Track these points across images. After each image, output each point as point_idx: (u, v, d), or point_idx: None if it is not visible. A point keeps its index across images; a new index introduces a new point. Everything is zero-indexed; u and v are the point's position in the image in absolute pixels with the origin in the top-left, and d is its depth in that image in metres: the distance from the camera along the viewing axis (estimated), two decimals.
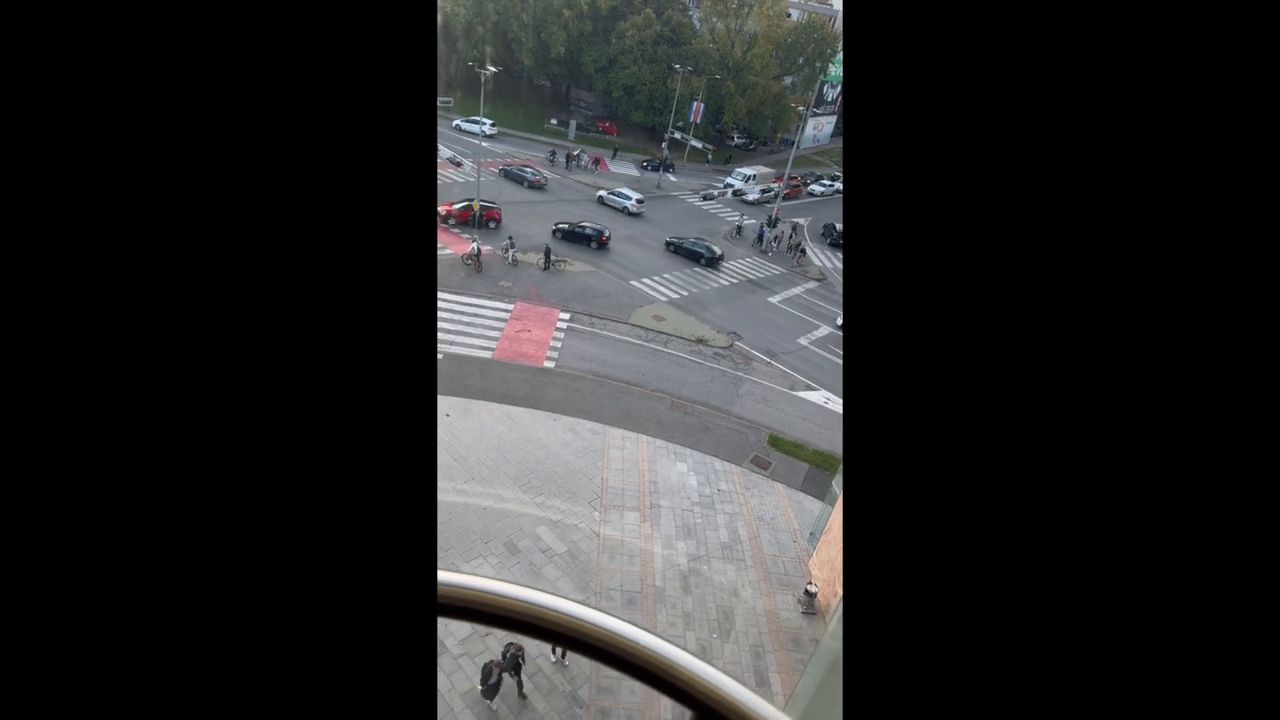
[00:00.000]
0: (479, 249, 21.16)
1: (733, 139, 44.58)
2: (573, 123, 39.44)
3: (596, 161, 35.09)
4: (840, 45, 43.92)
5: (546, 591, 0.64)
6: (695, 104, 36.97)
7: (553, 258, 22.14)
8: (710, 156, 35.48)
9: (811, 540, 12.12)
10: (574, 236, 24.38)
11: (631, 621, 0.63)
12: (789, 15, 43.65)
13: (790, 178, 34.82)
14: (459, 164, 27.14)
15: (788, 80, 43.09)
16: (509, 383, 15.63)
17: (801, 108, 39.73)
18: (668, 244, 26.30)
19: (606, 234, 24.80)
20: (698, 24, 41.14)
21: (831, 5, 50.00)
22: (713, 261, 25.37)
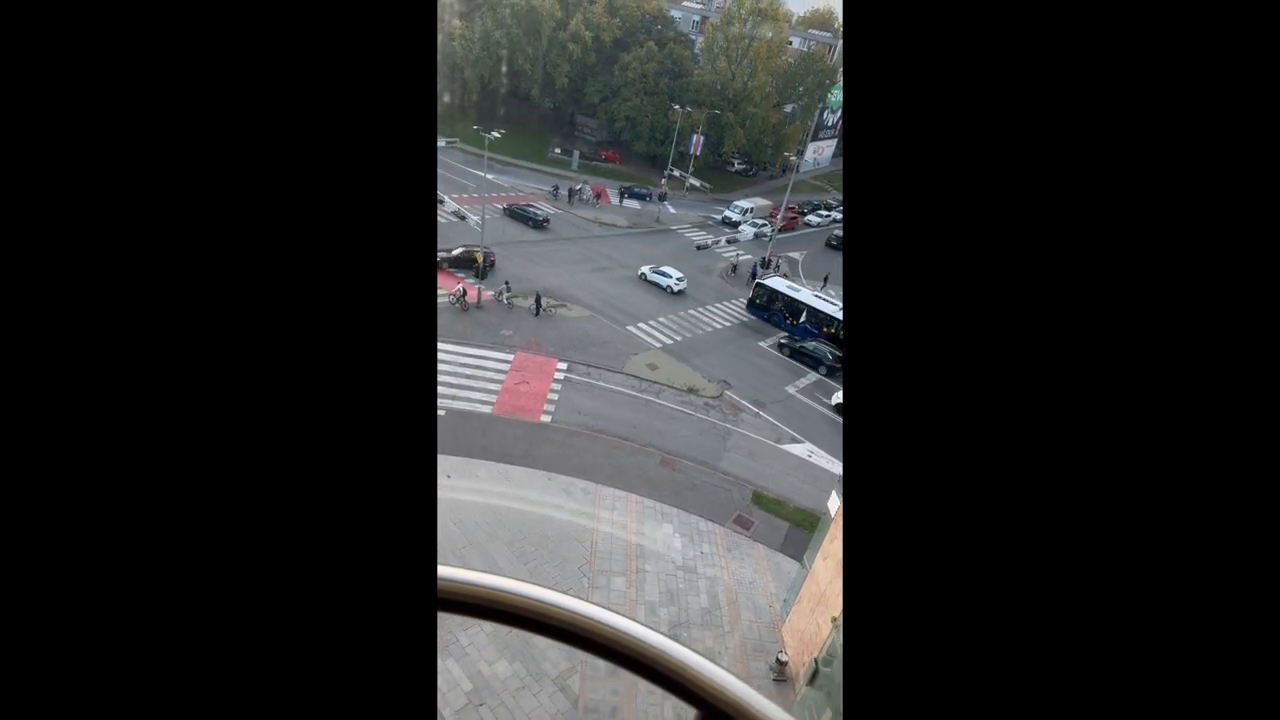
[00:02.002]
0: (465, 289, 22.21)
1: (733, 165, 45.47)
2: (575, 153, 40.40)
3: (598, 195, 35.97)
4: (838, 74, 44.79)
5: (544, 592, 0.64)
6: (695, 137, 37.87)
7: (543, 303, 23.03)
8: (690, 184, 36.50)
9: (785, 607, 12.95)
10: (460, 263, 24.34)
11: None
12: (790, 43, 44.55)
13: (788, 207, 35.62)
14: (462, 218, 27.28)
15: (788, 108, 43.93)
16: (507, 439, 16.51)
17: (794, 154, 40.51)
18: (505, 210, 30.53)
19: (493, 256, 24.87)
20: (699, 54, 42.06)
21: (834, 22, 50.75)
22: (539, 224, 30.28)
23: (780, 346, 23.88)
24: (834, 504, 11.37)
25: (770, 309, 24.61)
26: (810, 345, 23.20)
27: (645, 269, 27.58)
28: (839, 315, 23.00)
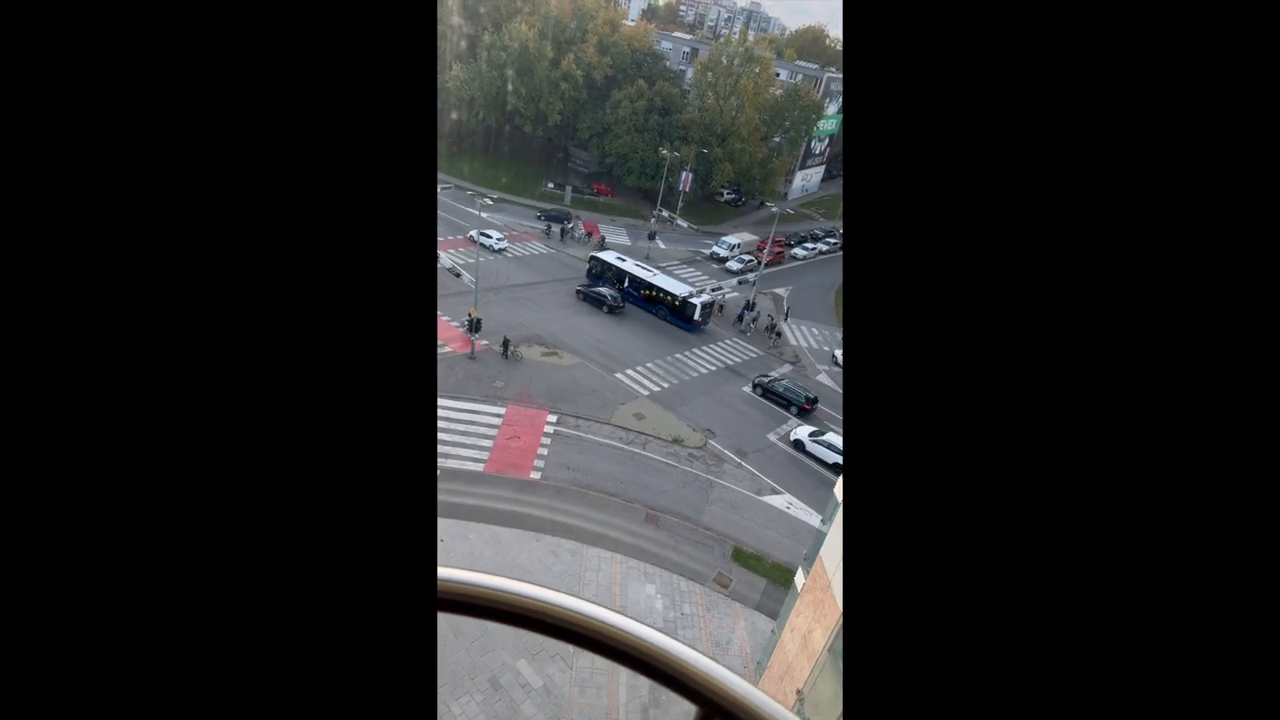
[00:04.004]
0: None
1: (722, 195, 46.49)
2: (569, 188, 41.39)
3: (590, 233, 36.89)
4: (823, 108, 46.01)
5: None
6: (684, 174, 38.90)
7: (510, 346, 23.81)
8: (677, 224, 37.65)
9: (759, 669, 13.78)
10: None
11: None
12: (778, 74, 45.72)
13: (775, 239, 36.60)
14: (457, 274, 27.53)
15: (776, 138, 45.01)
16: (498, 500, 17.32)
17: (781, 186, 41.61)
18: None
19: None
20: (688, 89, 43.15)
21: (824, 38, 51.42)
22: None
23: (576, 293, 29.79)
24: (800, 579, 12.21)
25: (604, 276, 30.99)
26: (598, 290, 29.31)
27: (473, 232, 31.12)
28: (652, 280, 29.55)
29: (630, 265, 30.35)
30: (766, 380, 24.58)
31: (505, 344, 23.75)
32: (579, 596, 0.66)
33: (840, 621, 9.22)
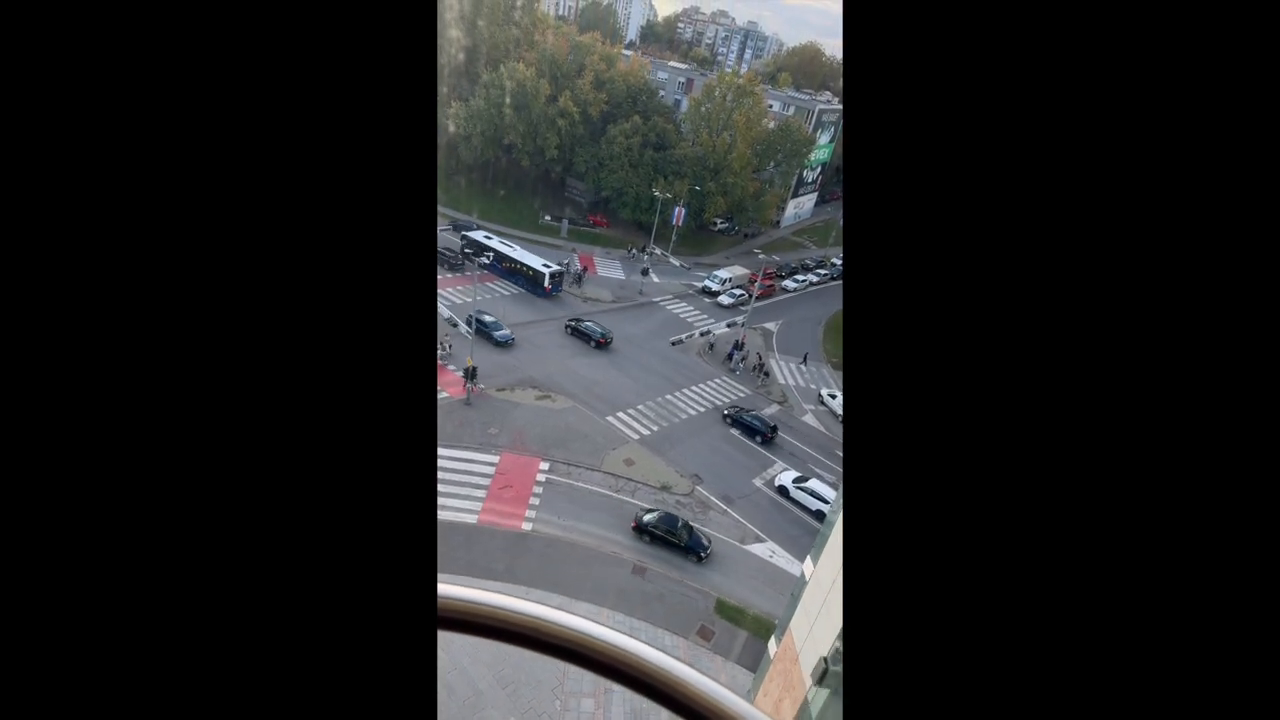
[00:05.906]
0: None
1: (715, 224, 47.41)
2: (564, 222, 42.28)
3: (585, 269, 37.74)
4: (814, 142, 47.05)
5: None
6: (677, 209, 39.81)
7: (475, 378, 24.06)
8: (670, 261, 38.62)
9: None
10: None
11: None
12: (771, 106, 46.75)
13: (766, 271, 37.39)
14: (455, 324, 28.06)
15: (770, 166, 45.97)
16: (490, 554, 17.99)
17: (773, 217, 42.41)
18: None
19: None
20: (682, 123, 44.14)
21: (820, 54, 52.26)
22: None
23: None
24: (773, 647, 12.88)
25: (476, 255, 35.65)
26: (448, 254, 34.81)
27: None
28: (512, 254, 34.57)
29: (495, 243, 35.87)
30: (574, 322, 30.52)
31: (471, 373, 24.06)
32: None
33: (805, 700, 9.89)
